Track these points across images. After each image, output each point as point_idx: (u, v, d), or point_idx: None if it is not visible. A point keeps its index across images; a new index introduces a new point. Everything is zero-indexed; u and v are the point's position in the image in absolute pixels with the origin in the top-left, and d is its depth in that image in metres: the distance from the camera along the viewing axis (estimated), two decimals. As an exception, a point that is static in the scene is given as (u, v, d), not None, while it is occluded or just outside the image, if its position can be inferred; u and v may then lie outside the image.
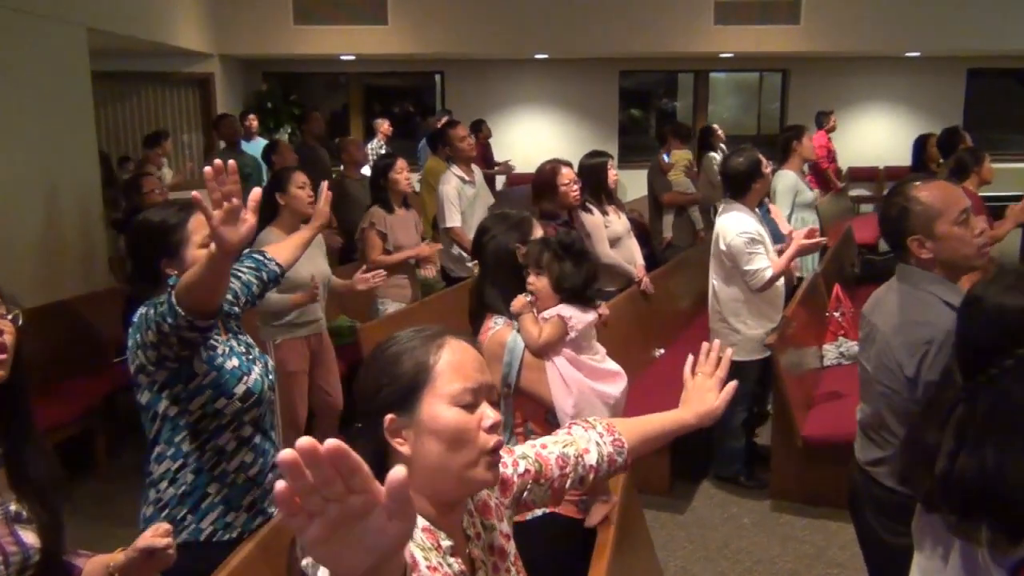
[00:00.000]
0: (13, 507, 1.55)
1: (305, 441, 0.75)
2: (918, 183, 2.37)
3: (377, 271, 4.30)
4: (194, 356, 2.17)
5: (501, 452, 1.50)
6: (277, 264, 2.72)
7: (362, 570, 0.83)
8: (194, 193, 1.83)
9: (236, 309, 2.46)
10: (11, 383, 1.53)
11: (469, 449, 1.29)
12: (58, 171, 5.80)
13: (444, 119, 8.79)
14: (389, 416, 1.30)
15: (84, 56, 6.31)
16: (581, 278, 2.51)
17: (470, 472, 1.30)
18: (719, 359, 1.83)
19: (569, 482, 1.61)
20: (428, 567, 1.22)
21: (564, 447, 1.62)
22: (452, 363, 1.32)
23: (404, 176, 4.94)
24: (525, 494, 1.56)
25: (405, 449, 1.29)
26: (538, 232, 2.63)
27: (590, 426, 1.69)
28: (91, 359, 5.33)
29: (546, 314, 2.48)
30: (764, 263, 4.06)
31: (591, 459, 1.63)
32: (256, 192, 1.82)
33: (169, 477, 2.25)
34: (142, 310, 2.16)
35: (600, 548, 2.16)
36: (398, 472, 0.81)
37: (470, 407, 1.31)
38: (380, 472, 1.26)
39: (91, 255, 6.17)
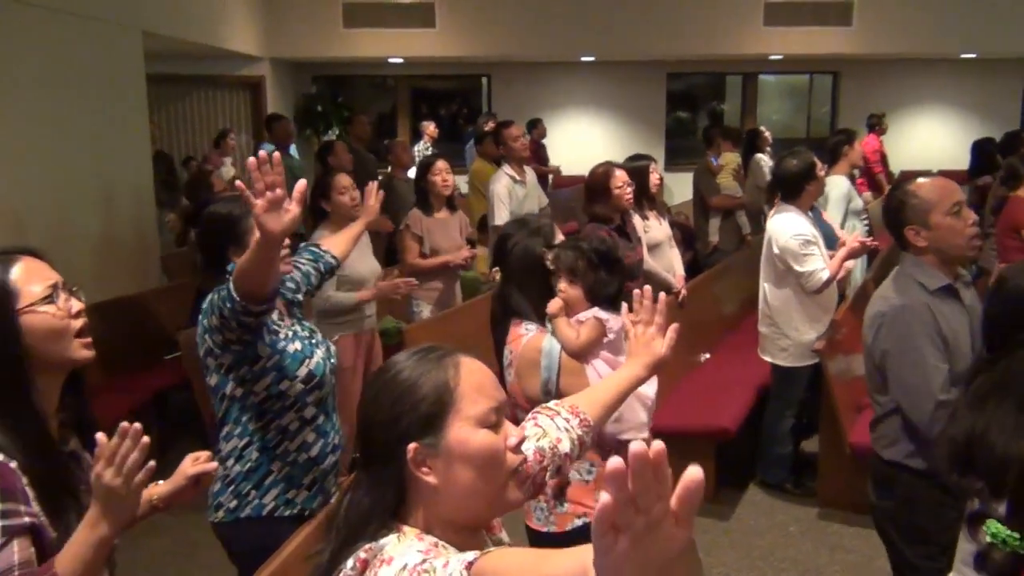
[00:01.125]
0: None
1: (638, 446, 0.71)
2: (919, 180, 2.59)
3: (408, 279, 4.32)
4: (257, 340, 2.28)
5: None
6: (333, 256, 2.91)
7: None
8: (238, 182, 1.92)
9: (299, 296, 2.62)
10: None
11: (500, 471, 1.24)
12: (113, 171, 5.93)
13: (489, 122, 8.83)
14: (412, 446, 1.21)
15: (139, 59, 6.44)
16: (616, 286, 2.47)
17: (502, 495, 1.26)
18: (654, 307, 1.80)
19: (548, 474, 1.58)
20: None
21: (538, 441, 1.58)
22: (473, 383, 1.25)
23: (442, 178, 4.81)
24: None
25: (431, 479, 1.22)
26: (559, 237, 2.60)
27: (555, 412, 1.65)
28: (143, 356, 5.43)
29: (581, 316, 2.43)
30: (819, 264, 4.01)
31: (564, 447, 1.60)
32: (301, 184, 1.87)
33: (236, 455, 2.37)
34: (211, 296, 2.28)
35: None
36: (696, 474, 0.74)
37: (495, 427, 1.25)
38: (402, 504, 1.23)
39: (144, 254, 6.30)
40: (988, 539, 1.62)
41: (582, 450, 1.65)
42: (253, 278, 2.06)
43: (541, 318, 2.48)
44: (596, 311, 2.42)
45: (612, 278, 2.45)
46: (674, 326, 1.77)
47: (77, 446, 1.68)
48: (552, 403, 1.70)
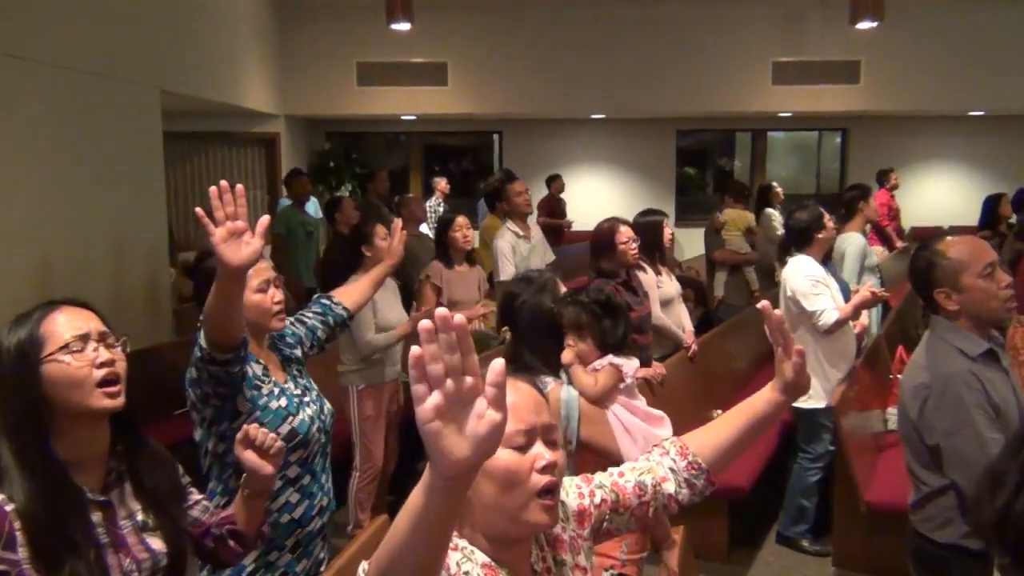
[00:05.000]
0: (140, 516, 1.68)
1: (441, 309, 0.89)
2: (948, 239, 2.47)
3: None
4: (236, 395, 2.19)
5: (579, 481, 1.53)
6: (344, 308, 2.77)
7: (457, 457, 0.93)
8: (197, 209, 1.86)
9: (297, 352, 2.50)
10: (125, 406, 1.68)
11: (520, 490, 1.29)
12: (128, 227, 5.98)
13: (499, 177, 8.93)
14: None
15: (157, 117, 6.55)
16: (622, 331, 2.55)
17: (523, 514, 1.30)
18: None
19: (651, 510, 1.58)
20: None
21: (641, 475, 1.58)
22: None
23: (463, 234, 4.97)
24: (605, 523, 1.55)
25: None
26: (561, 289, 2.62)
27: (665, 452, 1.62)
28: (154, 410, 5.41)
29: (596, 364, 2.49)
30: (829, 304, 4.06)
31: (669, 488, 1.58)
32: (264, 219, 1.88)
33: None
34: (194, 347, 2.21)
35: (656, 614, 2.11)
36: (498, 363, 0.93)
37: (522, 448, 1.31)
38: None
39: (157, 308, 6.33)
40: None
41: (694, 493, 1.59)
42: (217, 319, 1.99)
43: (555, 372, 2.48)
44: (611, 358, 2.49)
45: (617, 324, 2.53)
46: (798, 348, 1.59)
47: (119, 496, 1.67)
48: (668, 440, 1.65)
